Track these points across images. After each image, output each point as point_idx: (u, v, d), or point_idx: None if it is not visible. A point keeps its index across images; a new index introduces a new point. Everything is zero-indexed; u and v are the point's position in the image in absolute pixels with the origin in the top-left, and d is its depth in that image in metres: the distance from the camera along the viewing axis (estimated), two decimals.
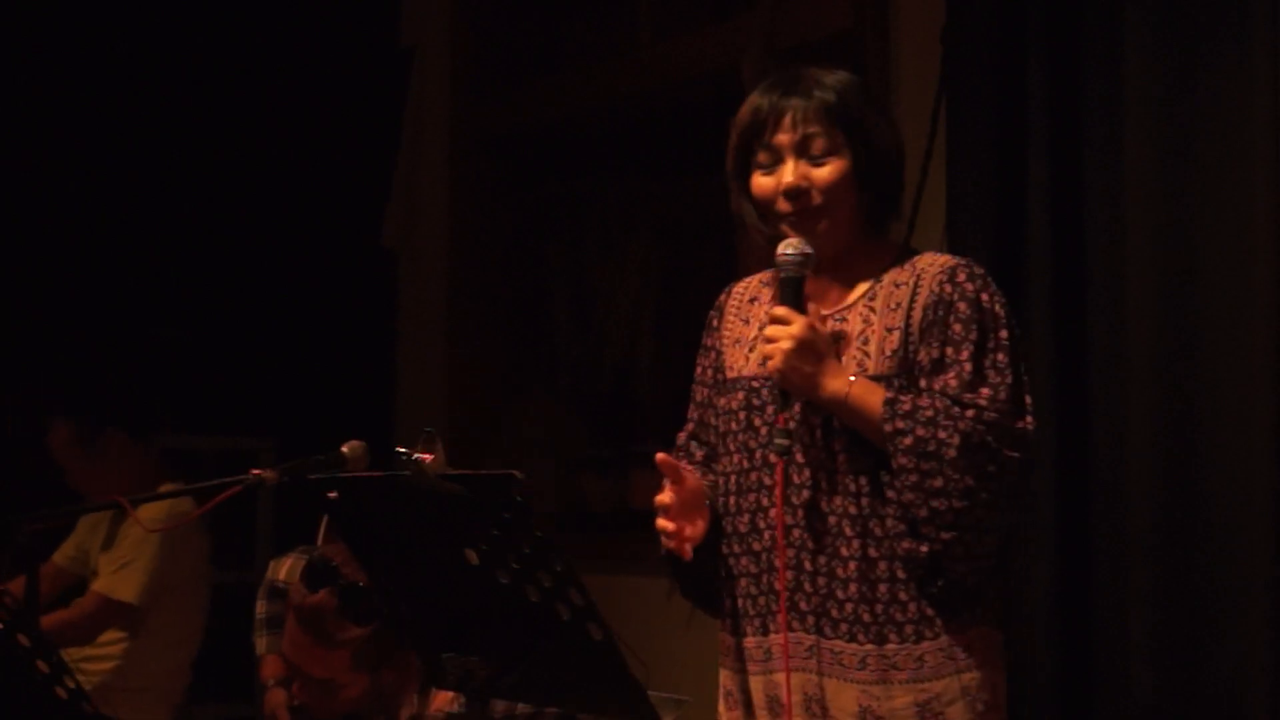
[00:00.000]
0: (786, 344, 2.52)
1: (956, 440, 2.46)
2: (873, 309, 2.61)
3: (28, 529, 3.30)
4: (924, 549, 2.50)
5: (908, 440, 2.48)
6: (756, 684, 2.67)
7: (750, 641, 2.67)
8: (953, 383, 2.52)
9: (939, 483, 2.46)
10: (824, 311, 2.64)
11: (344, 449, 2.87)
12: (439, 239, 5.71)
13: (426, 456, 2.49)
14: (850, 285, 2.65)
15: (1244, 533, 3.23)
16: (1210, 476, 3.30)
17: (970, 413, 2.48)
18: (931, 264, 2.61)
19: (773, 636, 2.63)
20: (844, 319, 2.63)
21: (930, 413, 2.48)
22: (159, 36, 5.71)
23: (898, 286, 2.60)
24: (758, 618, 2.65)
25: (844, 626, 2.56)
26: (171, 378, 5.79)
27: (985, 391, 2.51)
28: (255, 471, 2.79)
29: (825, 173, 2.60)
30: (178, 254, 5.78)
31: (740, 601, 2.68)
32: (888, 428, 2.49)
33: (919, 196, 3.94)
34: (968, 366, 2.52)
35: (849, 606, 2.56)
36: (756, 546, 2.65)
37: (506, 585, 2.34)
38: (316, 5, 5.79)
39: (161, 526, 4.15)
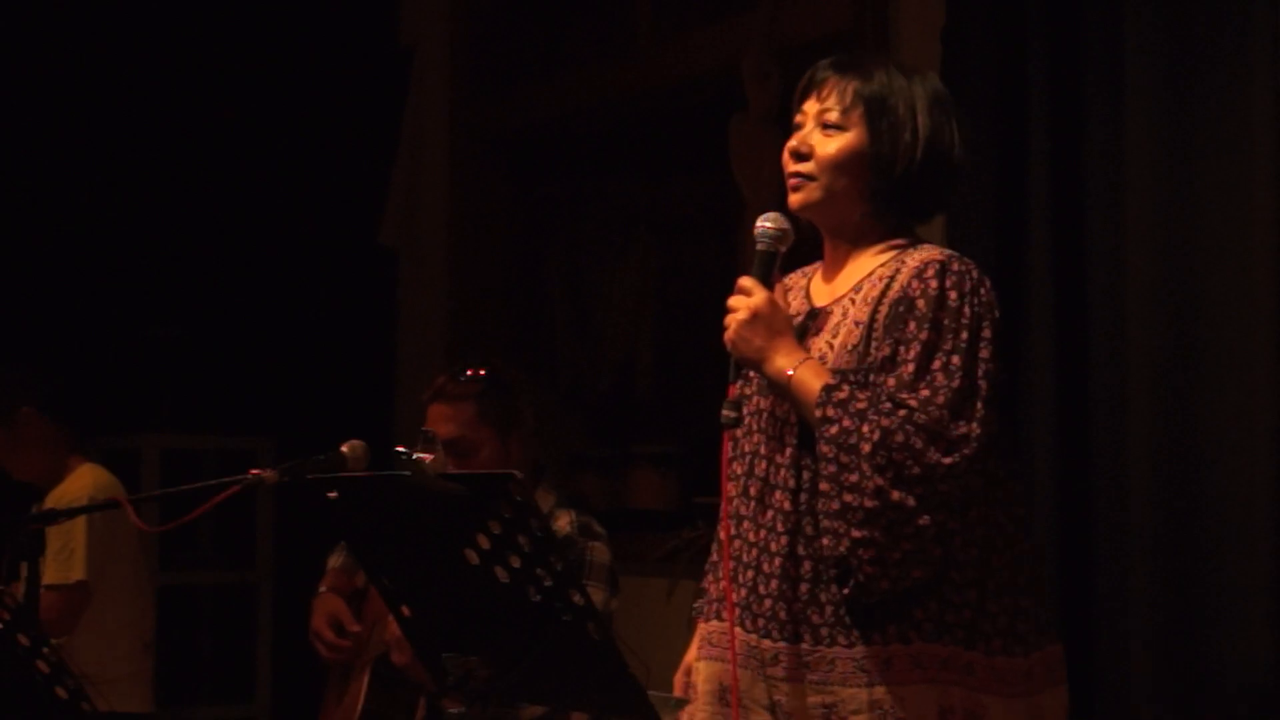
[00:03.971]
0: (742, 314, 2.52)
1: (876, 436, 2.38)
2: (854, 301, 2.57)
3: (28, 529, 3.30)
4: (828, 543, 2.44)
5: (833, 429, 2.42)
6: (699, 669, 2.68)
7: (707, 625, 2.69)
8: (891, 382, 2.44)
9: (854, 478, 2.39)
10: (819, 304, 2.63)
11: (344, 449, 2.87)
12: (439, 239, 5.71)
13: (426, 456, 2.49)
14: (854, 274, 2.61)
15: (1244, 533, 3.24)
16: (1210, 476, 3.30)
17: (901, 412, 2.40)
18: (915, 259, 2.54)
19: (711, 623, 2.65)
20: (832, 310, 2.60)
21: (862, 405, 2.42)
22: (159, 36, 5.72)
23: (880, 281, 2.55)
24: (710, 603, 2.68)
25: (762, 622, 2.52)
26: (171, 377, 5.80)
27: (924, 393, 2.42)
28: (255, 471, 2.79)
29: (828, 144, 2.58)
30: (177, 253, 5.78)
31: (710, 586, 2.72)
32: (818, 413, 2.44)
33: None
34: (910, 367, 2.44)
35: (768, 603, 2.52)
36: (721, 534, 2.64)
37: (506, 585, 2.34)
38: (316, 5, 5.79)
39: (155, 527, 4.30)
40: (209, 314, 5.84)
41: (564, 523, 3.56)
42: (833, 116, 2.58)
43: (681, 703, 2.68)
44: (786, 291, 2.70)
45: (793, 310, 2.65)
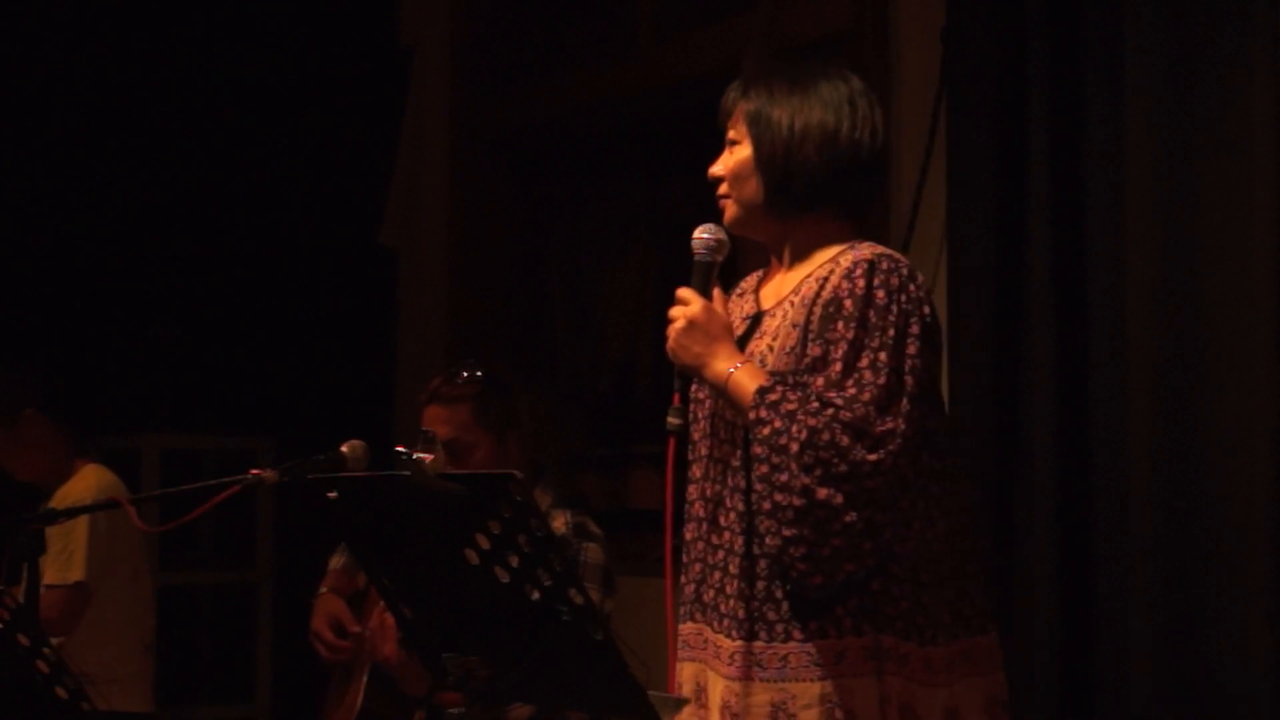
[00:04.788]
0: (680, 323, 2.62)
1: (803, 436, 2.43)
2: (792, 304, 2.61)
3: (28, 529, 3.30)
4: (769, 542, 2.48)
5: (765, 430, 2.47)
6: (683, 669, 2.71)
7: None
8: (820, 382, 2.49)
9: (784, 477, 2.44)
10: (764, 307, 2.68)
11: (344, 449, 2.87)
12: (439, 239, 5.71)
13: (426, 456, 2.49)
14: (795, 277, 2.66)
15: (1244, 533, 3.24)
16: (1210, 476, 3.31)
17: (828, 411, 2.44)
18: (848, 259, 2.57)
19: (685, 624, 2.68)
20: (774, 313, 2.65)
21: (792, 406, 2.47)
22: (159, 36, 5.72)
23: (816, 283, 2.59)
24: (682, 605, 2.70)
25: (726, 622, 2.57)
26: (171, 377, 5.80)
27: (850, 390, 2.46)
28: (255, 471, 2.79)
29: (729, 160, 2.68)
30: (178, 253, 5.79)
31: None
32: (751, 415, 2.50)
33: (919, 196, 3.95)
34: (838, 366, 2.48)
35: (731, 603, 2.56)
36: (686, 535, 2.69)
37: (506, 585, 2.34)
38: (316, 5, 5.79)
39: (151, 527, 4.32)
40: (209, 314, 5.84)
41: (559, 523, 3.55)
42: (732, 134, 2.69)
43: (682, 702, 2.68)
44: (740, 295, 2.78)
45: (743, 313, 2.72)
